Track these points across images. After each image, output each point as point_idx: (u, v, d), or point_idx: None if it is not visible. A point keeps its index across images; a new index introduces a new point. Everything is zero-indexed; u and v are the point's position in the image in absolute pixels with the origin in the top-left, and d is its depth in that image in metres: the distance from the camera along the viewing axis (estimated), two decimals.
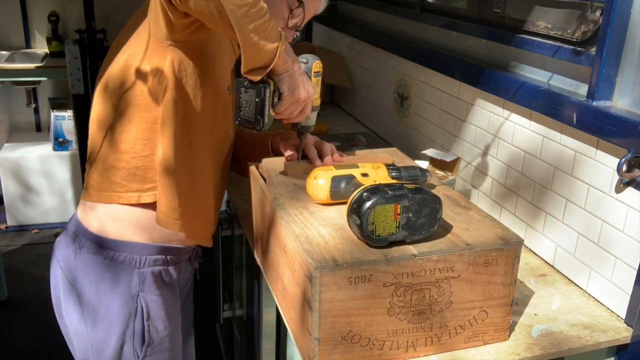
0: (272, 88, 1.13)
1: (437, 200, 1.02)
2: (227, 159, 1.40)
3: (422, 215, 1.00)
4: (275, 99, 1.15)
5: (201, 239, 1.34)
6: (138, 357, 1.28)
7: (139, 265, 1.25)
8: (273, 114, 1.16)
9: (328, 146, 1.35)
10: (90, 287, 1.24)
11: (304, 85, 1.16)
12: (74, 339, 1.31)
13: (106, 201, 1.23)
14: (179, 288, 1.39)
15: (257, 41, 1.02)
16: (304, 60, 1.22)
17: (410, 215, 0.99)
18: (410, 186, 1.02)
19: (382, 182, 1.09)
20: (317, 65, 1.24)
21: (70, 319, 1.29)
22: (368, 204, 0.97)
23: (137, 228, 1.24)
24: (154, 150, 1.20)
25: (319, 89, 1.26)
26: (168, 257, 1.29)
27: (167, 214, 1.21)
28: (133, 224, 1.24)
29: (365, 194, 0.99)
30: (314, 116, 1.29)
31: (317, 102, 1.26)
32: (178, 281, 1.36)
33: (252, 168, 1.34)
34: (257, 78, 1.09)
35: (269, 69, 1.08)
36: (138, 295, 1.25)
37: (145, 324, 1.27)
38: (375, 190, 0.99)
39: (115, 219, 1.24)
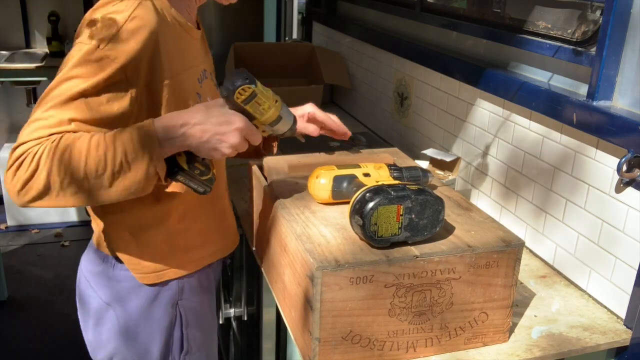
0: (186, 167, 1.00)
1: (439, 202, 1.02)
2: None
3: (425, 216, 1.00)
4: (201, 168, 1.02)
5: (222, 250, 1.30)
6: None
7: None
8: (209, 175, 1.04)
9: (328, 117, 1.33)
10: (128, 303, 1.19)
11: (220, 139, 0.98)
12: (115, 355, 1.25)
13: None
14: (214, 287, 1.36)
15: (125, 186, 0.94)
16: (224, 94, 1.00)
17: (413, 216, 0.99)
18: (413, 187, 1.02)
19: (384, 182, 1.09)
20: (240, 93, 0.99)
21: (107, 337, 1.23)
22: (371, 204, 0.97)
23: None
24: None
25: (264, 107, 1.02)
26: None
27: (152, 270, 1.18)
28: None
29: (368, 194, 0.99)
30: (281, 126, 1.08)
31: (272, 117, 1.04)
32: (214, 280, 1.34)
33: (254, 167, 1.34)
34: (167, 184, 1.00)
35: (162, 176, 0.97)
36: (177, 304, 1.22)
37: (184, 332, 1.24)
38: (378, 190, 0.99)
39: None
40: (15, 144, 0.93)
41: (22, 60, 3.59)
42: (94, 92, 0.95)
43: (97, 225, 1.18)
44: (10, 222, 3.67)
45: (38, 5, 3.78)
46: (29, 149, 0.91)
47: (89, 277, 1.22)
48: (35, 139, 0.91)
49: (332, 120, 1.35)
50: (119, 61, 0.96)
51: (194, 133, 0.97)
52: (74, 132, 0.93)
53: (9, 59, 3.60)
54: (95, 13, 1.00)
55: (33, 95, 3.88)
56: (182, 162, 1.00)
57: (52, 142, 0.91)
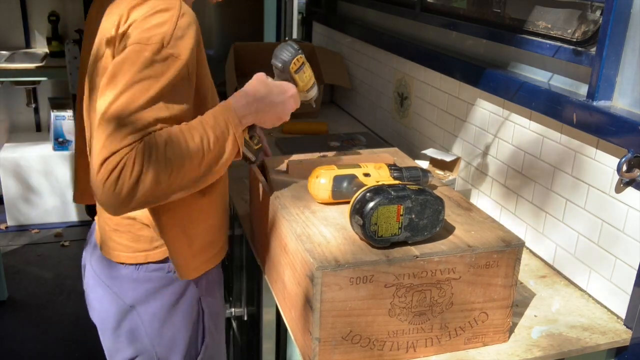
0: (248, 138, 1.11)
1: (439, 202, 1.02)
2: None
3: (425, 216, 1.00)
4: (257, 138, 1.14)
5: (227, 243, 1.31)
6: (198, 357, 1.28)
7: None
8: (260, 145, 1.16)
9: None
10: (155, 302, 1.19)
11: (282, 109, 1.12)
12: (139, 355, 1.25)
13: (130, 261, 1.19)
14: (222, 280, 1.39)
15: (216, 171, 1.01)
16: (279, 66, 1.14)
17: (413, 216, 0.99)
18: (413, 187, 1.02)
19: (384, 182, 1.09)
20: (295, 63, 1.15)
21: (129, 338, 1.22)
22: (371, 204, 0.97)
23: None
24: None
25: (306, 74, 1.18)
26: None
27: (195, 266, 1.19)
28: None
29: (368, 194, 0.99)
30: (313, 92, 1.23)
31: (309, 84, 1.19)
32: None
33: (254, 167, 1.34)
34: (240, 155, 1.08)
35: (241, 152, 1.06)
36: (200, 299, 1.23)
37: (205, 324, 1.26)
38: (378, 190, 0.99)
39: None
40: (103, 155, 0.90)
41: (22, 60, 3.59)
42: (167, 90, 0.95)
43: (126, 227, 1.17)
44: (10, 222, 3.67)
45: (38, 5, 3.78)
46: (125, 155, 0.90)
47: (109, 282, 1.21)
48: (128, 145, 0.90)
49: None
50: (183, 57, 0.97)
51: (263, 107, 1.07)
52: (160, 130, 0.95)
53: (9, 59, 3.61)
54: (135, 11, 0.98)
55: (33, 95, 3.88)
56: (245, 133, 1.09)
57: (148, 143, 0.91)
